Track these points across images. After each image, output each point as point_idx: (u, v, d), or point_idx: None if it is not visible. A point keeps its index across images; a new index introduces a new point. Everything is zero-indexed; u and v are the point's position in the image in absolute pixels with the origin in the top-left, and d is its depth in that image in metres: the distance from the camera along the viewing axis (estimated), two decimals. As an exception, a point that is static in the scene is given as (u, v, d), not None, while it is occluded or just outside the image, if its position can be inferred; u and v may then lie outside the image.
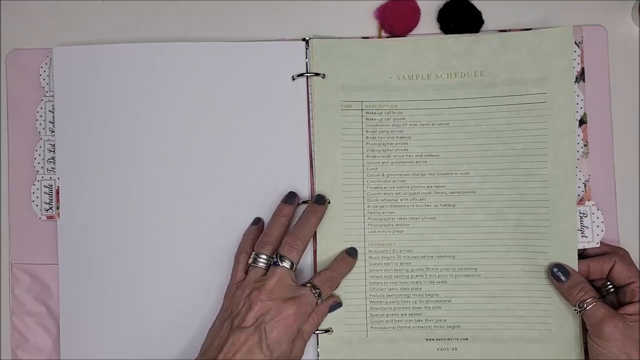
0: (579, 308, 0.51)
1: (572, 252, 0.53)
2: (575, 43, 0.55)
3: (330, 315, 0.53)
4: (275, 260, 0.51)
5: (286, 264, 0.51)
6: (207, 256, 0.55)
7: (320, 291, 0.51)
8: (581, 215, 0.54)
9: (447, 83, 0.55)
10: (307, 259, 0.55)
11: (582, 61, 0.55)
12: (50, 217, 0.56)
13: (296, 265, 0.51)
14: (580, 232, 0.54)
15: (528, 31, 0.55)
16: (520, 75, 0.54)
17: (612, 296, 0.53)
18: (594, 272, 0.53)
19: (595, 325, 0.49)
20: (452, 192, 0.55)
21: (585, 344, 0.53)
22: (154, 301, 0.55)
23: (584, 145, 0.55)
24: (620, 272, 0.51)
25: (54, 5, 0.59)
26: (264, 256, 0.51)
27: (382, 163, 0.55)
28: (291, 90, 0.55)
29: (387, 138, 0.55)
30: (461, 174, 0.54)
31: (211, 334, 0.51)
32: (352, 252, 0.54)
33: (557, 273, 0.52)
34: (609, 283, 0.53)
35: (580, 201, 0.55)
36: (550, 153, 0.54)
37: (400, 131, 0.55)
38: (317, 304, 0.51)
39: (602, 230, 0.54)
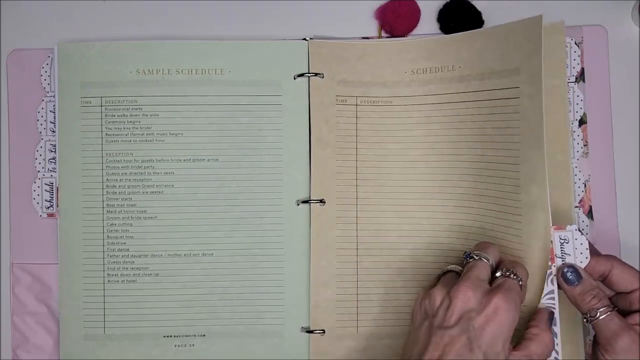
0: (591, 317, 0.45)
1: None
2: (575, 43, 0.56)
3: None
4: (472, 255, 0.46)
5: (484, 258, 0.46)
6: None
7: (520, 277, 0.45)
8: (562, 241, 0.48)
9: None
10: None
11: (582, 61, 0.56)
12: (50, 215, 0.56)
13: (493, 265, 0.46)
14: (561, 259, 0.48)
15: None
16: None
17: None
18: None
19: (608, 338, 0.45)
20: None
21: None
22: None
23: (584, 145, 0.55)
24: (621, 277, 0.46)
25: (54, 5, 0.59)
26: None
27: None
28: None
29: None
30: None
31: (409, 342, 0.45)
32: None
33: (568, 275, 0.46)
34: None
35: (558, 227, 0.48)
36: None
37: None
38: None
39: (587, 258, 0.47)
